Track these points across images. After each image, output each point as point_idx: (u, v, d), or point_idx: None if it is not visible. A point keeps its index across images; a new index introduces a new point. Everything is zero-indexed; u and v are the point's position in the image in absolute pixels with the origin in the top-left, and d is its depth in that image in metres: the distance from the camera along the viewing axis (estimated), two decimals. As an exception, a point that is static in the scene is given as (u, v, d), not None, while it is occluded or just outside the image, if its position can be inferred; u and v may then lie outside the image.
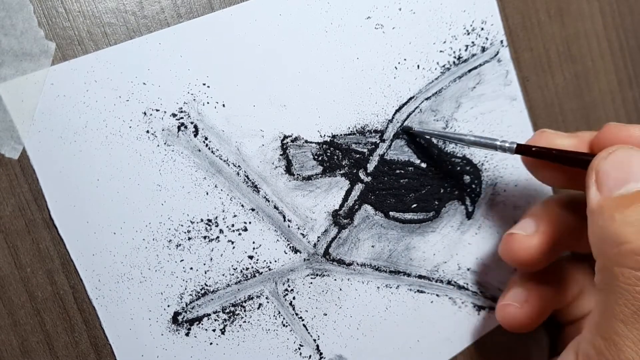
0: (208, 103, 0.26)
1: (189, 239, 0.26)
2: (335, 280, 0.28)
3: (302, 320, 0.28)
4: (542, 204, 0.29)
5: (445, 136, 0.29)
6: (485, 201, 0.32)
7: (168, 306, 0.25)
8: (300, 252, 0.28)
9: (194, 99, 0.26)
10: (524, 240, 0.27)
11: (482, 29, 0.31)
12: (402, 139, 0.30)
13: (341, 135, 0.28)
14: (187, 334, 0.26)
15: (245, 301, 0.27)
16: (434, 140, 0.31)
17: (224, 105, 0.26)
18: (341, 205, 0.29)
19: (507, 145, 0.27)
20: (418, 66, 0.30)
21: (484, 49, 0.31)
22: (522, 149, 0.26)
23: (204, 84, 0.26)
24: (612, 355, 0.20)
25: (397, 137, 0.30)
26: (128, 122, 0.25)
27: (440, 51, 0.30)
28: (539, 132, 0.27)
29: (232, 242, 0.26)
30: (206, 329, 0.26)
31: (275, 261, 0.27)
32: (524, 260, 0.27)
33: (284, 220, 0.27)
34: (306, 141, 0.28)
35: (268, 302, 0.27)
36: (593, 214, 0.22)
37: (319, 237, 0.28)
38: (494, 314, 0.32)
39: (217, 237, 0.26)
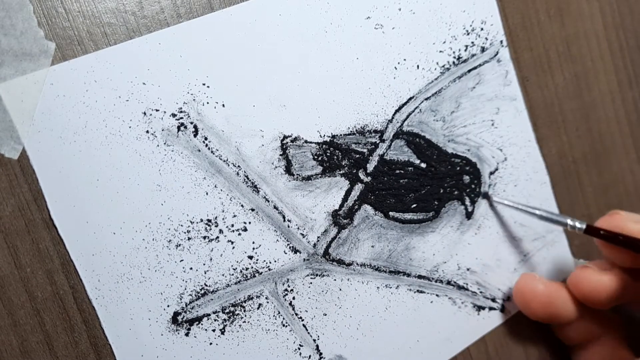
0: (208, 103, 0.26)
1: (189, 239, 0.26)
2: (335, 280, 0.28)
3: (302, 320, 0.28)
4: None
5: (519, 209, 0.31)
6: (485, 201, 0.32)
7: (168, 306, 0.25)
8: (300, 252, 0.28)
9: (194, 99, 0.26)
10: (595, 275, 0.29)
11: (482, 29, 0.31)
12: (402, 139, 0.30)
13: (341, 135, 0.28)
14: (186, 334, 0.26)
15: (245, 301, 0.27)
16: (434, 140, 0.31)
17: (223, 105, 0.26)
18: (341, 206, 0.29)
19: (577, 225, 0.29)
20: (418, 66, 0.30)
21: (483, 49, 0.31)
22: (591, 231, 0.28)
23: (204, 84, 0.26)
24: None
25: (397, 137, 0.30)
26: (128, 122, 0.25)
27: (440, 51, 0.30)
28: (611, 214, 0.28)
29: (232, 242, 0.26)
30: (206, 329, 0.26)
31: (275, 261, 0.27)
32: (592, 296, 0.29)
33: (284, 221, 0.27)
34: (306, 141, 0.28)
35: (268, 302, 0.27)
36: None
37: (318, 237, 0.28)
38: (493, 314, 0.32)
39: (217, 237, 0.26)
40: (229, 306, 0.26)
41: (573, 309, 0.30)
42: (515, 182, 0.33)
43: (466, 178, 0.31)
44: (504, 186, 0.32)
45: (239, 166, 0.26)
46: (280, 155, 0.27)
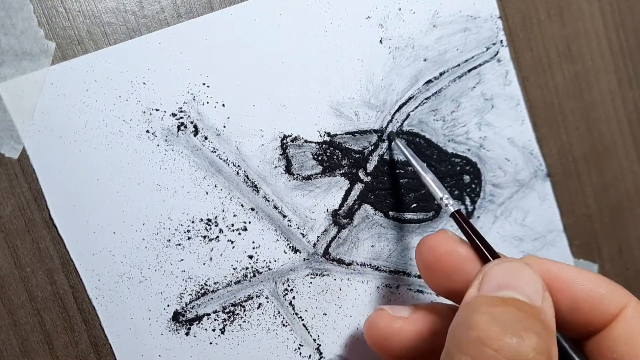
0: (208, 103, 0.26)
1: (189, 238, 0.26)
2: (335, 280, 0.28)
3: (302, 320, 0.28)
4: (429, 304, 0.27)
5: (410, 160, 0.28)
6: (485, 201, 0.32)
7: (168, 306, 0.25)
8: (300, 252, 0.28)
9: (194, 99, 0.26)
10: (391, 320, 0.25)
11: (482, 28, 0.31)
12: (402, 139, 0.30)
13: (341, 134, 0.28)
14: (187, 334, 0.26)
15: (245, 301, 0.27)
16: (434, 140, 0.31)
17: (223, 105, 0.26)
18: (341, 205, 0.29)
19: (449, 206, 0.26)
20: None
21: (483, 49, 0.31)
22: (457, 216, 0.25)
23: (204, 84, 0.26)
24: None
25: (397, 137, 0.30)
26: (128, 122, 0.25)
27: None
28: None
29: (232, 242, 0.26)
30: (206, 329, 0.26)
31: (275, 261, 0.27)
32: (383, 345, 0.26)
33: (284, 220, 0.27)
34: (306, 141, 0.28)
35: (268, 302, 0.27)
36: (463, 306, 0.21)
37: (318, 236, 0.28)
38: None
39: (217, 236, 0.26)
40: (229, 306, 0.26)
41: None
42: (515, 182, 0.33)
43: (466, 178, 0.31)
44: (505, 186, 0.32)
45: (239, 166, 0.26)
46: (280, 155, 0.27)
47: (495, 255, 0.24)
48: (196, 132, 0.26)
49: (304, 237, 0.28)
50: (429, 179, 0.27)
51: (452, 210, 0.25)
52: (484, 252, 0.24)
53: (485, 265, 0.23)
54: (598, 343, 0.23)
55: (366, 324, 0.26)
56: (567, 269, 0.23)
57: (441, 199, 0.26)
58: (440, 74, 0.30)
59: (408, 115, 0.30)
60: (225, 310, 0.26)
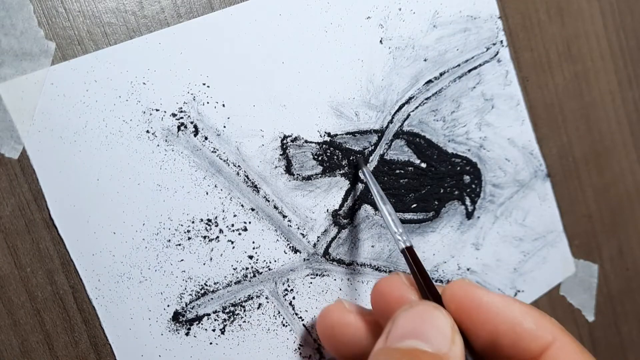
0: (208, 103, 0.26)
1: (189, 238, 0.26)
2: (335, 280, 0.28)
3: (302, 320, 0.28)
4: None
5: (372, 190, 0.27)
6: (485, 201, 0.32)
7: (168, 306, 0.25)
8: (300, 252, 0.28)
9: (194, 99, 0.26)
10: (344, 312, 0.25)
11: (482, 28, 0.31)
12: (402, 139, 0.30)
13: (341, 135, 0.28)
14: (187, 334, 0.26)
15: (245, 301, 0.27)
16: (434, 140, 0.31)
17: (223, 105, 0.26)
18: (341, 205, 0.29)
19: (401, 241, 0.25)
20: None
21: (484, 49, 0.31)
22: (407, 252, 0.24)
23: (204, 84, 0.26)
24: None
25: (397, 137, 0.30)
26: (128, 122, 0.25)
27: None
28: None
29: (232, 242, 0.26)
30: (206, 329, 0.26)
31: (275, 261, 0.27)
32: (333, 339, 0.25)
33: (284, 220, 0.27)
34: (306, 141, 0.28)
35: (268, 302, 0.27)
36: (370, 357, 0.20)
37: (318, 237, 0.28)
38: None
39: (217, 237, 0.26)
40: (229, 306, 0.26)
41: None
42: (515, 182, 0.33)
43: (466, 178, 0.31)
44: (505, 186, 0.32)
45: (239, 166, 0.26)
46: (280, 155, 0.27)
47: (436, 296, 0.23)
48: (196, 132, 0.26)
49: (304, 237, 0.28)
50: (386, 211, 0.26)
51: (403, 246, 0.24)
52: (430, 288, 0.23)
53: (396, 312, 0.21)
54: None
55: (320, 312, 0.26)
56: (496, 298, 0.22)
57: (395, 233, 0.25)
58: (441, 74, 0.30)
59: (408, 115, 0.30)
60: (226, 311, 0.26)
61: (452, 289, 0.22)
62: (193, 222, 0.26)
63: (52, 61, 0.23)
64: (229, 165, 0.26)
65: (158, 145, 0.25)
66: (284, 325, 0.27)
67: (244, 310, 0.27)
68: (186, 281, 0.26)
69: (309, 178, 0.28)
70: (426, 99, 0.30)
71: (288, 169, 0.27)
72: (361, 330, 0.25)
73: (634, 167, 0.37)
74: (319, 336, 0.26)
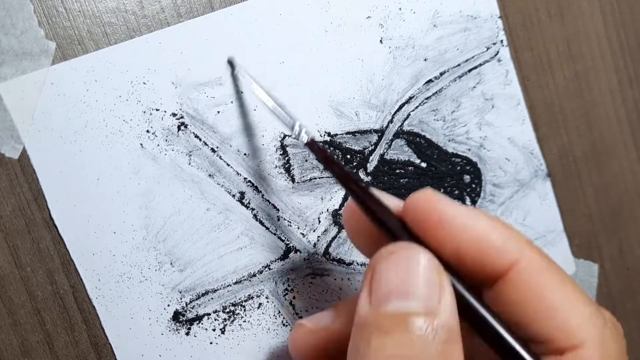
0: (208, 103, 0.26)
1: (189, 238, 0.26)
2: (335, 280, 0.28)
3: (302, 319, 0.28)
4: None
5: (254, 90, 0.24)
6: (485, 201, 0.32)
7: (168, 305, 0.25)
8: (300, 252, 0.28)
9: (194, 99, 0.26)
10: (315, 336, 0.23)
11: (482, 28, 0.31)
12: (402, 139, 0.30)
13: (341, 134, 0.28)
14: (187, 334, 0.26)
15: (245, 301, 0.27)
16: (434, 140, 0.31)
17: (224, 105, 0.26)
18: (341, 205, 0.29)
19: (302, 135, 0.22)
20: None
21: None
22: (312, 145, 0.21)
23: (204, 84, 0.26)
24: None
25: (397, 136, 0.30)
26: (128, 122, 0.25)
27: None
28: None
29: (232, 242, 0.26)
30: (206, 329, 0.26)
31: (275, 261, 0.27)
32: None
33: (284, 220, 0.27)
34: (306, 141, 0.28)
35: (268, 302, 0.27)
36: (355, 325, 0.18)
37: (319, 236, 0.28)
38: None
39: (217, 236, 0.26)
40: (230, 305, 0.26)
41: None
42: (515, 182, 0.33)
43: (466, 177, 0.31)
44: (505, 186, 0.32)
45: (239, 166, 0.26)
46: (281, 155, 0.27)
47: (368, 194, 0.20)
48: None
49: (304, 237, 0.28)
50: (276, 106, 0.22)
51: (307, 139, 0.21)
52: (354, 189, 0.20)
53: (371, 259, 0.19)
54: (495, 293, 0.19)
55: (290, 344, 0.24)
56: (461, 211, 0.19)
57: (292, 128, 0.22)
58: (441, 74, 0.30)
59: (408, 115, 0.30)
60: (226, 310, 0.26)
61: (414, 202, 0.20)
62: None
63: (52, 61, 0.24)
64: (229, 165, 0.26)
65: (158, 144, 0.25)
66: (284, 325, 0.27)
67: (244, 310, 0.27)
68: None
69: (309, 178, 0.28)
70: (426, 98, 0.30)
71: (288, 169, 0.27)
72: (338, 340, 0.23)
73: (634, 167, 0.37)
74: None
